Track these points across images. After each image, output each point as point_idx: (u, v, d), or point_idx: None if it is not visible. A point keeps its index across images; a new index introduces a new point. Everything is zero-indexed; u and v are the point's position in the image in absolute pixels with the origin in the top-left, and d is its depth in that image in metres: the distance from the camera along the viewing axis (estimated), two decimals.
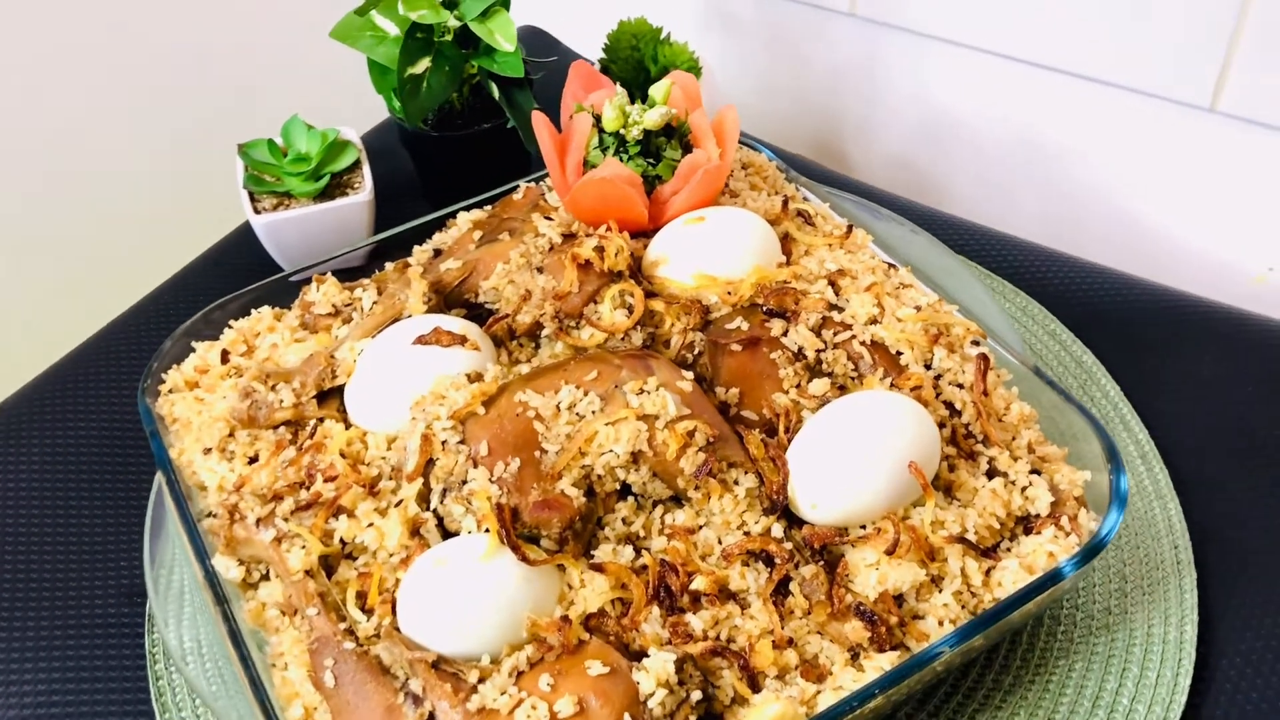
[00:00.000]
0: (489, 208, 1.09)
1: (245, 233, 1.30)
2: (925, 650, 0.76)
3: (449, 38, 1.09)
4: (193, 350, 1.01)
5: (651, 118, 1.00)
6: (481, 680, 0.74)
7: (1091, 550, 0.81)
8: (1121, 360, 1.09)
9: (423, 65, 1.06)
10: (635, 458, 0.83)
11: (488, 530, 0.79)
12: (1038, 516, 0.85)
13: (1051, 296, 1.16)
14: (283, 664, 0.80)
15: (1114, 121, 1.38)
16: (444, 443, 0.83)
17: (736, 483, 0.83)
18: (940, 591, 0.81)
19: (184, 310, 1.23)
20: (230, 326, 1.03)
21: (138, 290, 1.25)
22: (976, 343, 0.95)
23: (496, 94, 1.14)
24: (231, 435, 0.92)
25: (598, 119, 1.03)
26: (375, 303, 0.99)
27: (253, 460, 0.91)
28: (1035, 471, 0.88)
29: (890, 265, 1.02)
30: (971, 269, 1.03)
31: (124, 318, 1.23)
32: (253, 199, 1.21)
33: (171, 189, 1.59)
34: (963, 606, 0.81)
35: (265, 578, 0.86)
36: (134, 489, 1.06)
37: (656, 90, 1.02)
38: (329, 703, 0.75)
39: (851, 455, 0.82)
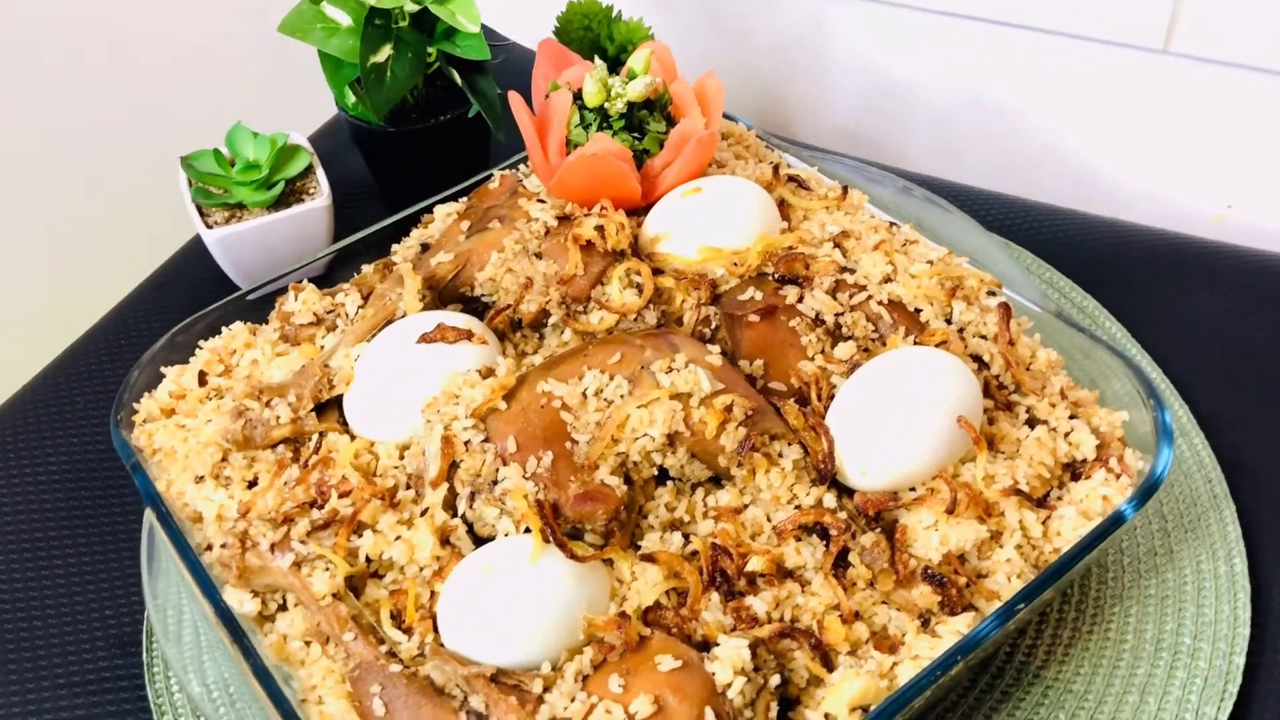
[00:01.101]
0: (464, 200, 1.04)
1: (193, 249, 1.23)
2: (1002, 607, 0.72)
3: (406, 23, 1.03)
4: (163, 376, 0.94)
5: (635, 89, 0.96)
6: (546, 689, 0.69)
7: (1149, 489, 0.78)
8: (1121, 303, 1.08)
9: (384, 53, 1.00)
10: (671, 440, 0.78)
11: (528, 530, 0.74)
12: (1084, 461, 0.83)
13: (1042, 245, 1.15)
14: (316, 698, 0.74)
15: (1068, 70, 1.37)
16: (467, 443, 0.78)
17: (780, 455, 0.80)
18: (1002, 547, 0.78)
19: (136, 336, 1.16)
20: (200, 347, 0.95)
21: (84, 318, 1.16)
22: (993, 293, 0.93)
23: (459, 80, 1.08)
24: (225, 460, 0.85)
25: (576, 96, 0.98)
26: (363, 306, 0.93)
27: (252, 484, 0.84)
28: (1072, 416, 0.85)
29: (891, 224, 0.99)
30: (971, 222, 1.01)
31: (74, 348, 1.14)
32: (201, 213, 1.13)
33: (109, 208, 1.49)
34: (1025, 560, 0.78)
35: (283, 608, 0.79)
36: (110, 530, 0.98)
37: (636, 61, 0.98)
38: None
39: (897, 416, 0.79)
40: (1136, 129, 1.38)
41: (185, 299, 1.17)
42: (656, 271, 0.91)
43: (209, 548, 0.82)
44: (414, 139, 1.15)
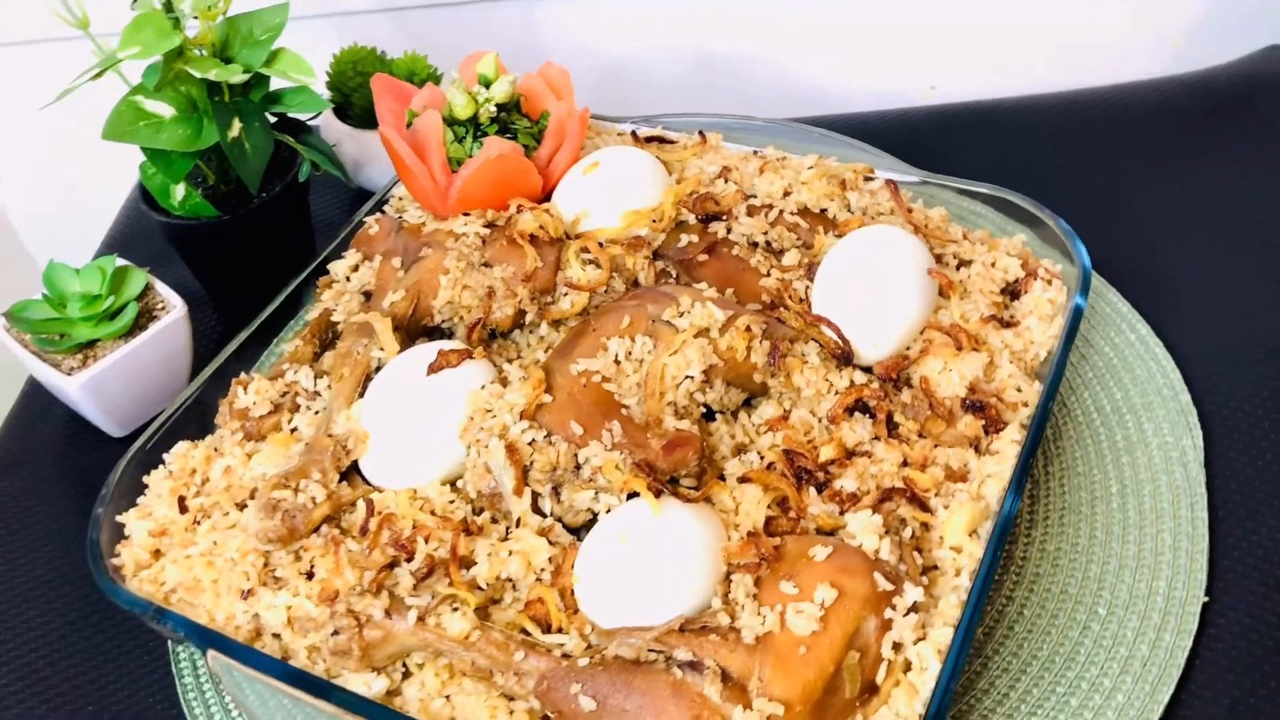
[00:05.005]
0: (349, 254, 1.01)
1: (30, 407, 1.11)
2: (1042, 401, 0.82)
3: (225, 97, 0.99)
4: (122, 525, 0.85)
5: (501, 90, 0.98)
6: (732, 619, 0.70)
7: (1086, 279, 0.91)
8: (948, 170, 1.21)
9: (237, 127, 0.95)
10: (708, 374, 0.82)
11: (632, 496, 0.75)
12: (1017, 280, 0.94)
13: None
14: None
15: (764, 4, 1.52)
16: (531, 442, 0.78)
17: (804, 355, 0.85)
18: (1000, 367, 0.88)
19: (17, 523, 1.03)
20: (147, 484, 0.87)
21: None
22: (869, 178, 1.03)
23: (293, 142, 1.05)
24: (265, 564, 0.79)
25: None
26: (323, 375, 0.89)
27: (309, 575, 0.79)
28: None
29: (755, 151, 1.07)
30: (810, 130, 1.11)
31: None
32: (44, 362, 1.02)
33: None
34: (1021, 370, 0.88)
35: (406, 676, 0.75)
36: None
37: (486, 67, 0.99)
38: None
39: (880, 287, 0.87)
40: (845, 39, 1.55)
41: (51, 463, 1.06)
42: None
43: (285, 658, 0.77)
44: (248, 221, 1.09)
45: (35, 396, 1.14)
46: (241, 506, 0.84)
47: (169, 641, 0.89)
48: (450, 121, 0.98)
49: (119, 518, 0.86)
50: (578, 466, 0.77)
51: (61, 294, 1.05)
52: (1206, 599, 0.84)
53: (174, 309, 1.07)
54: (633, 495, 0.76)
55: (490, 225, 0.93)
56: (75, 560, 0.98)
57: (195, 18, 0.92)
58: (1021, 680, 0.81)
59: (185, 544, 0.82)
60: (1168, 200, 1.17)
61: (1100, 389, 0.99)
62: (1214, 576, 0.85)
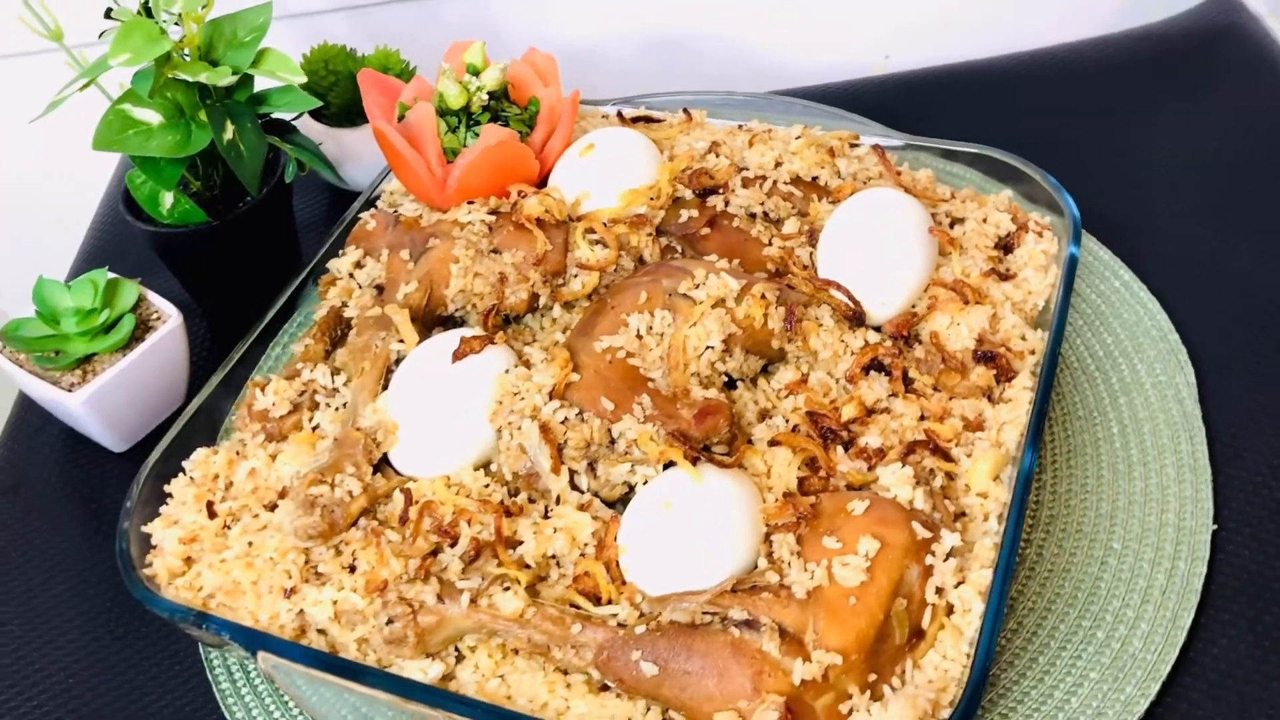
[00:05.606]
0: (348, 251, 1.01)
1: (15, 430, 1.10)
2: (1049, 347, 0.85)
3: (214, 100, 0.98)
4: (147, 535, 0.85)
5: (492, 78, 0.98)
6: (781, 577, 0.72)
7: (1076, 229, 0.94)
8: (914, 131, 1.24)
9: (230, 129, 0.94)
10: (727, 343, 0.84)
11: (669, 465, 0.77)
12: (1009, 234, 0.97)
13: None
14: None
15: None
16: (564, 421, 0.79)
17: (818, 319, 0.87)
18: (1003, 319, 0.90)
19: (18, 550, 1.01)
20: (169, 494, 0.87)
21: None
22: (855, 144, 1.05)
23: (280, 143, 1.04)
24: (307, 561, 0.79)
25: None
26: (338, 372, 0.89)
27: (351, 569, 0.79)
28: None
29: (740, 125, 1.09)
30: (791, 102, 1.13)
31: None
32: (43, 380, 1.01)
33: None
34: (1023, 320, 0.91)
35: (459, 660, 0.76)
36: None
37: (474, 56, 1.00)
38: (662, 691, 0.69)
39: (884, 248, 0.89)
40: (798, 14, 1.58)
41: (52, 482, 1.05)
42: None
43: (333, 653, 0.77)
44: (237, 225, 1.09)
45: (28, 417, 1.12)
46: (271, 507, 0.84)
47: (200, 647, 0.89)
48: (442, 112, 0.98)
49: (144, 528, 0.85)
50: (612, 441, 0.79)
51: (53, 310, 1.04)
52: (1215, 526, 0.87)
53: (169, 318, 1.06)
54: (668, 465, 0.77)
55: (494, 212, 0.94)
56: (91, 577, 0.98)
57: (177, 23, 0.91)
58: (1048, 618, 0.84)
59: (218, 549, 0.82)
60: (1130, 152, 1.21)
61: (1091, 335, 1.02)
62: (1219, 504, 0.89)
